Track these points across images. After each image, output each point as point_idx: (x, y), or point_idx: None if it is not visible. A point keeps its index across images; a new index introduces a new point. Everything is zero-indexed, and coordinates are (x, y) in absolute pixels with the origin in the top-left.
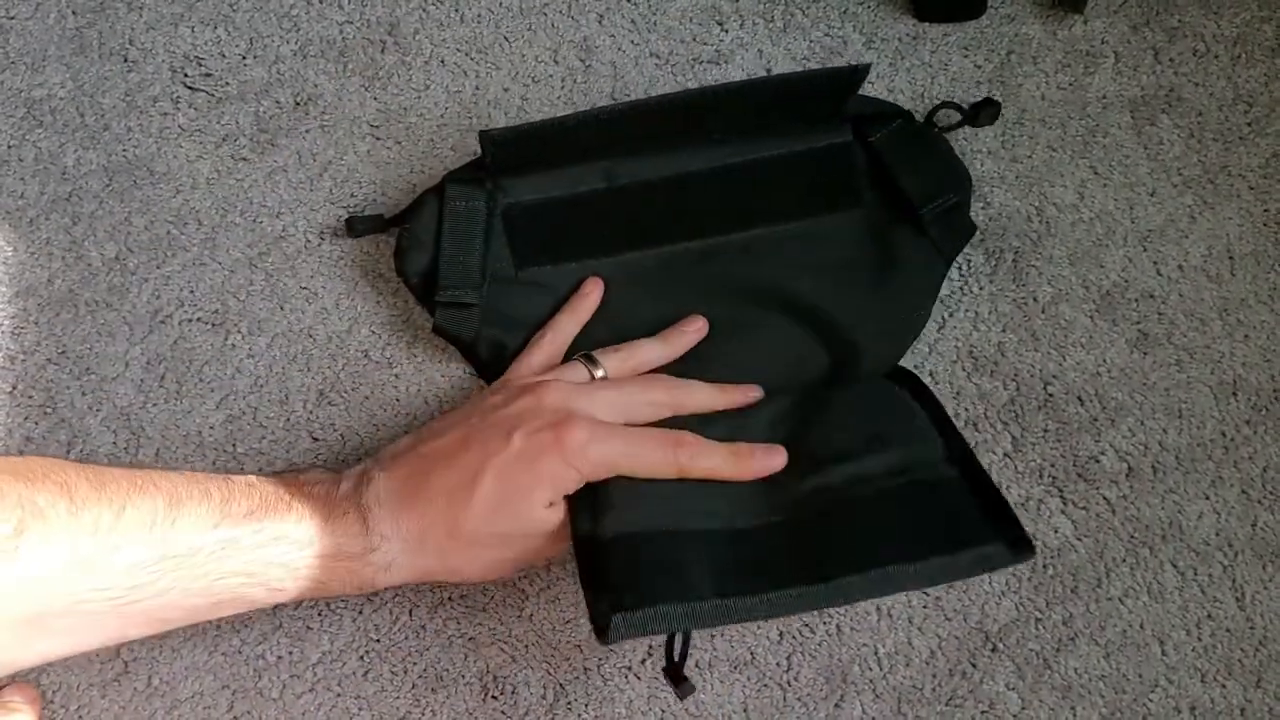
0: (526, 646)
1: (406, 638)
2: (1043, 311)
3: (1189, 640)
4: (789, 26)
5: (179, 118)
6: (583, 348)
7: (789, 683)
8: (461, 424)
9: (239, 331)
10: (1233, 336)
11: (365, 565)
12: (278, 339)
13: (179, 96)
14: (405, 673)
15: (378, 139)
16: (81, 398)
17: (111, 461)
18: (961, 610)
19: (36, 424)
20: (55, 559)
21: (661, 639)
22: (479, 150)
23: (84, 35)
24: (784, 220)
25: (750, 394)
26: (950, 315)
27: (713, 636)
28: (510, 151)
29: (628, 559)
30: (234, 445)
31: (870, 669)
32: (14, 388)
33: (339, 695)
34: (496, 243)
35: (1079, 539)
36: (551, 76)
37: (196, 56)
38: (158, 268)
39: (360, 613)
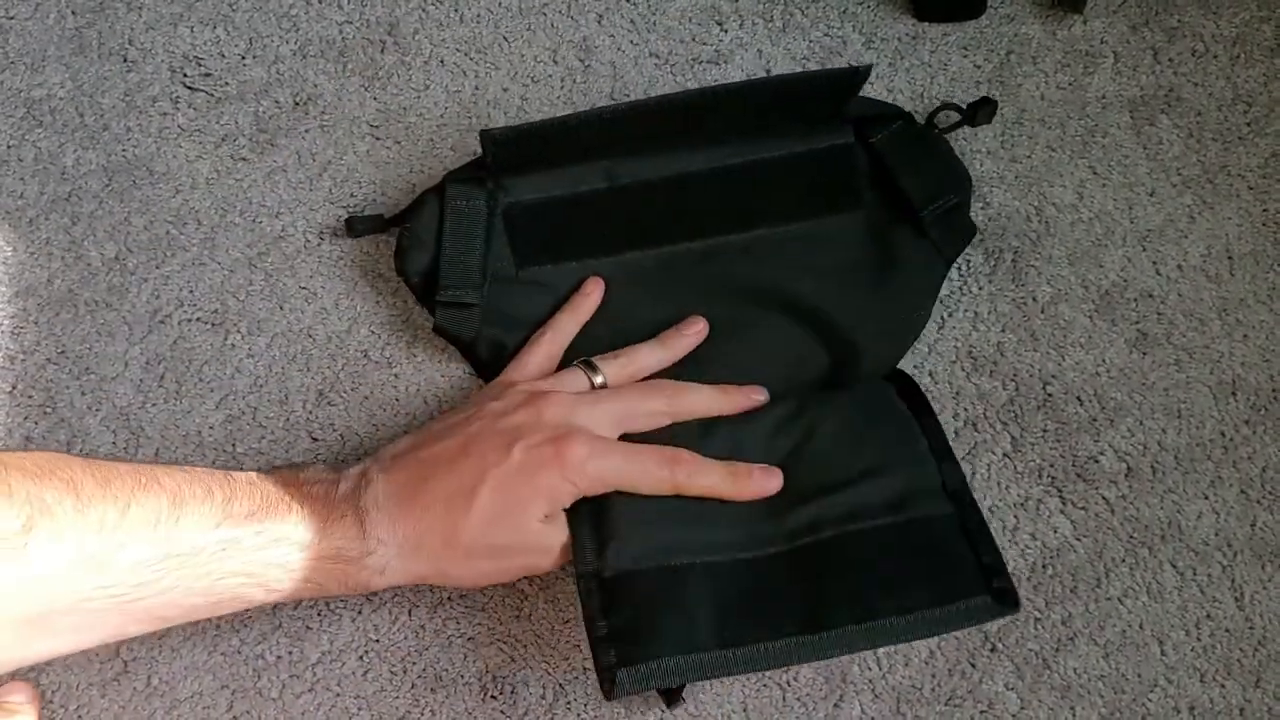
0: (526, 646)
1: (406, 638)
2: (1042, 311)
3: (1188, 640)
4: (788, 26)
5: (178, 118)
6: (583, 347)
7: (788, 682)
8: (461, 429)
9: (238, 331)
10: (1232, 336)
11: (361, 569)
12: (277, 339)
13: (178, 96)
14: (404, 673)
15: (377, 139)
16: (81, 397)
17: None
18: None
19: (36, 424)
20: (63, 556)
21: None
22: (479, 150)
23: (83, 35)
24: (785, 221)
25: (753, 395)
26: (950, 315)
27: None
28: (511, 151)
29: (630, 602)
30: (233, 445)
31: (869, 669)
32: (14, 388)
33: (338, 695)
34: (497, 242)
35: (1078, 539)
36: (551, 76)
37: (196, 56)
38: (157, 268)
39: (360, 613)
